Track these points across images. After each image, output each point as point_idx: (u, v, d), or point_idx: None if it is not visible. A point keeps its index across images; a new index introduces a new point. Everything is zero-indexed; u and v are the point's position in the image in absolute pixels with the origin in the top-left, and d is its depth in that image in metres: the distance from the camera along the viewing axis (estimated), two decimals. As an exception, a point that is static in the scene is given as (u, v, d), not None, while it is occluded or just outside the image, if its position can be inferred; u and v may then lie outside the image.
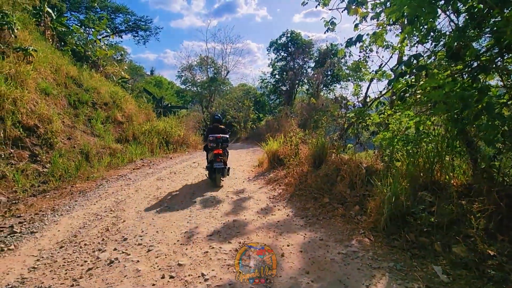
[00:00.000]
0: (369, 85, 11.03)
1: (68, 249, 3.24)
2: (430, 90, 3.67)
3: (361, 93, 9.77)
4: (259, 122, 21.56)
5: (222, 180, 6.22)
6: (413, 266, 2.65)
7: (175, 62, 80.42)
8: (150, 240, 3.42)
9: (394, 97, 6.94)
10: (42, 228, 3.83)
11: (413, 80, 4.00)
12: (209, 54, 26.05)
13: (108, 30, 17.34)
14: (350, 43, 4.36)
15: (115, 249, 3.21)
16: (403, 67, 3.86)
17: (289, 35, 20.69)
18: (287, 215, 4.21)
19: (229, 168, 6.45)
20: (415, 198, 3.37)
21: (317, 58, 20.64)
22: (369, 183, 4.08)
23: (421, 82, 3.81)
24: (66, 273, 2.74)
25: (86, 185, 5.84)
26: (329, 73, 19.93)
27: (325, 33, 5.18)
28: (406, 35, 3.71)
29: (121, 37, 23.71)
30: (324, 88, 20.73)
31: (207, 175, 6.34)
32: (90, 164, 6.97)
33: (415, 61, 3.64)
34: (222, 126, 6.48)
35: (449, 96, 3.22)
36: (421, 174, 3.62)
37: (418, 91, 4.01)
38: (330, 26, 5.00)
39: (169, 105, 21.10)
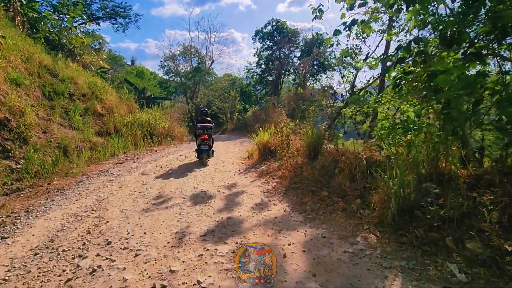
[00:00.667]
0: (356, 75, 10.95)
1: (43, 256, 2.89)
2: (426, 78, 3.51)
3: (349, 83, 9.67)
4: (246, 113, 21.24)
5: (208, 160, 7.56)
6: (426, 265, 2.46)
7: (157, 52, 76.89)
8: (137, 243, 3.10)
9: (385, 86, 6.83)
10: (14, 232, 3.45)
11: (410, 66, 3.83)
12: (193, 43, 25.38)
13: (84, 17, 16.36)
14: (342, 30, 4.25)
15: (98, 255, 2.88)
16: (399, 53, 3.71)
17: (274, 24, 20.17)
18: (284, 210, 3.97)
19: (213, 150, 8.01)
20: (420, 190, 3.19)
21: (303, 48, 20.31)
22: (369, 174, 3.88)
23: (417, 70, 3.65)
24: (41, 286, 2.41)
25: (64, 182, 5.41)
26: (315, 62, 19.69)
27: (312, 20, 5.08)
28: (412, 16, 3.51)
29: (99, 25, 22.31)
30: (311, 78, 20.52)
31: (196, 156, 7.60)
32: (69, 159, 6.51)
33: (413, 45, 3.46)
34: (208, 119, 7.92)
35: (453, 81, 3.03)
36: (425, 164, 3.45)
37: (417, 77, 3.82)
38: (318, 14, 4.82)
39: (152, 96, 20.45)
